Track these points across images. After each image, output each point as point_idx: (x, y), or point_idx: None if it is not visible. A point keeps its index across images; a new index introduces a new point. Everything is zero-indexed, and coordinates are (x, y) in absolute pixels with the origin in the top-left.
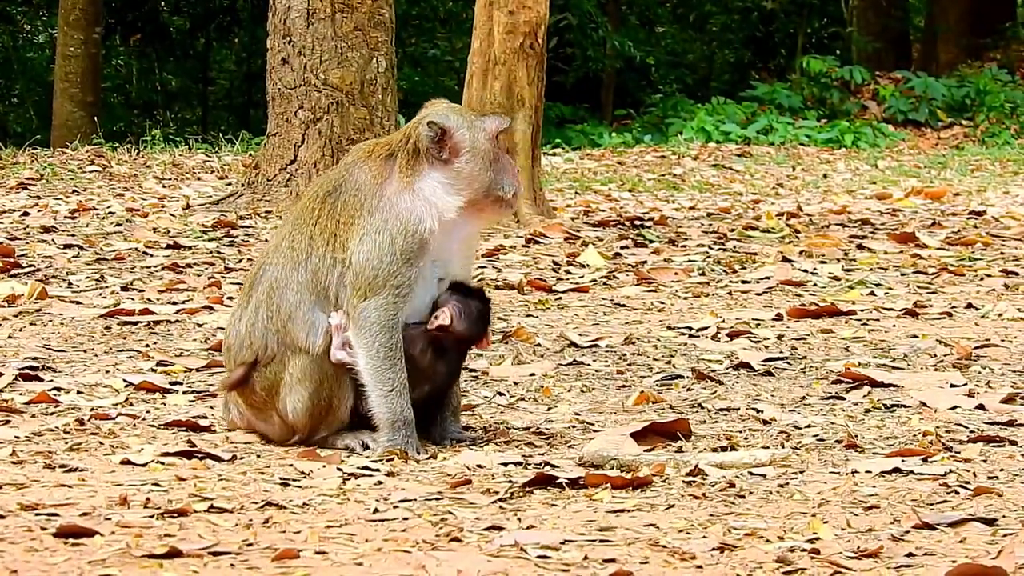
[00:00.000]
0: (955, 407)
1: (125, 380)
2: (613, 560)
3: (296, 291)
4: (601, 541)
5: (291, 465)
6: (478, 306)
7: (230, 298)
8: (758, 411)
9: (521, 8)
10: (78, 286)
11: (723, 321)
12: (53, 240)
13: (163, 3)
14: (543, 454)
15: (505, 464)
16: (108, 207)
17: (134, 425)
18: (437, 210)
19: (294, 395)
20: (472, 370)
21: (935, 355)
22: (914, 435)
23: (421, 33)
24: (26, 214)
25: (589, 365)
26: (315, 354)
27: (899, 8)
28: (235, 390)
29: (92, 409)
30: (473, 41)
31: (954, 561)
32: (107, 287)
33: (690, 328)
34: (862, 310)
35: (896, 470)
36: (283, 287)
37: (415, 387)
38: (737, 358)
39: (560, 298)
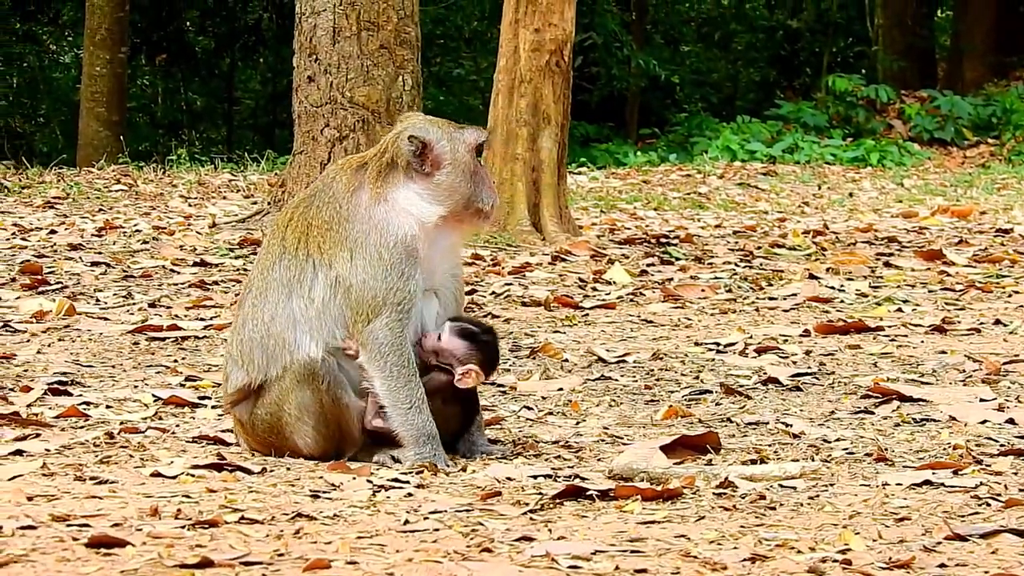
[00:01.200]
0: (985, 421)
1: (154, 395)
2: (644, 571)
3: (275, 289)
4: (632, 552)
5: (321, 477)
6: (490, 343)
7: None
8: (787, 425)
9: (547, 26)
10: (106, 303)
11: (751, 337)
12: (80, 258)
13: (188, 23)
14: (572, 467)
15: (535, 477)
16: (135, 225)
17: (164, 439)
18: (414, 217)
19: (301, 432)
20: (500, 385)
21: (964, 370)
22: (944, 448)
23: (446, 53)
24: (53, 232)
25: (617, 380)
26: (302, 360)
27: (925, 27)
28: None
29: (122, 423)
30: (499, 59)
31: (987, 572)
32: (135, 304)
33: (718, 344)
34: (890, 326)
35: (927, 483)
36: (264, 292)
37: (447, 429)
38: (765, 373)
39: (587, 314)
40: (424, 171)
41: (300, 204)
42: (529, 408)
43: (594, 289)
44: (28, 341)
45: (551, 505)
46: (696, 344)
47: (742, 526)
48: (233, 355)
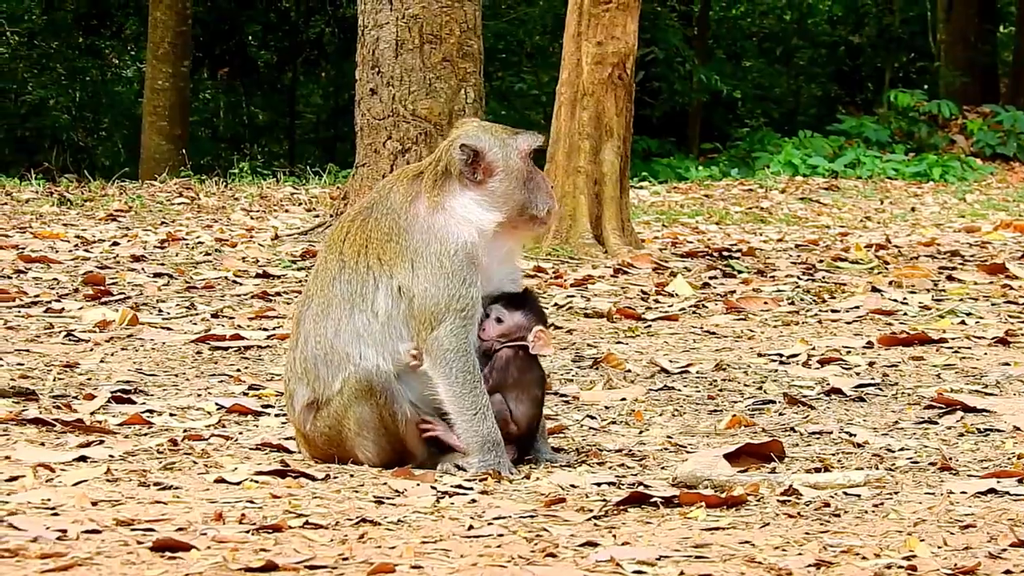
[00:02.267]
0: None
1: (217, 403)
2: None
3: (337, 305)
4: (697, 558)
5: (385, 484)
6: (537, 302)
7: None
8: (851, 435)
9: (610, 39)
10: (169, 313)
11: (814, 348)
12: (143, 269)
13: (250, 37)
14: (636, 474)
15: (598, 484)
16: (197, 238)
17: (227, 446)
18: (473, 225)
19: (362, 447)
20: (563, 395)
21: None
22: (1009, 458)
23: (508, 67)
24: (116, 244)
25: (680, 390)
26: (359, 374)
27: (987, 42)
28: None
29: (185, 430)
30: (561, 72)
31: None
32: (197, 314)
33: (781, 355)
34: (953, 338)
35: (991, 491)
36: (326, 307)
37: (538, 395)
38: (828, 384)
39: (650, 326)
40: (476, 179)
41: (356, 217)
42: (592, 417)
43: (656, 301)
44: (91, 350)
45: (615, 511)
46: (759, 355)
47: (807, 533)
48: (297, 372)
